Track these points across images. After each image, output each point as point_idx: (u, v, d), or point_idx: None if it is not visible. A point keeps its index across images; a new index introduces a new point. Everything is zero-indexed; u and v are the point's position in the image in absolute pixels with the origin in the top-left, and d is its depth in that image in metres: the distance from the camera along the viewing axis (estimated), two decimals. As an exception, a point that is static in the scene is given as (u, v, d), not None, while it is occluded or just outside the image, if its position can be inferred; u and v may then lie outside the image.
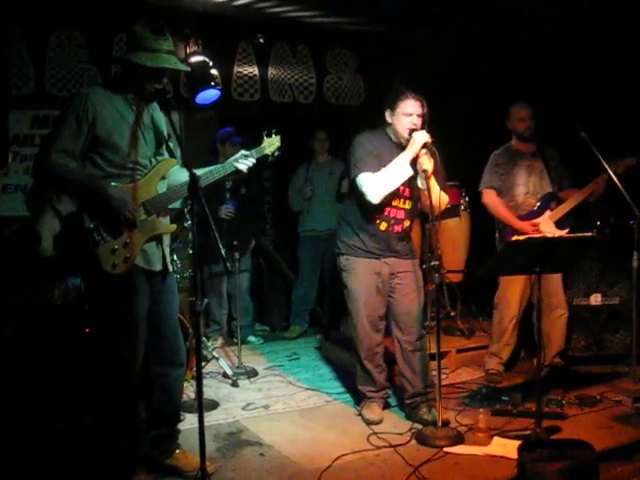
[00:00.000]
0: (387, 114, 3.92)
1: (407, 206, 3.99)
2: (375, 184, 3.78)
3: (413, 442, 3.69)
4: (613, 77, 5.21)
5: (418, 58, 6.04)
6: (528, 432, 3.63)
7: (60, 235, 4.44)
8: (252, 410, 4.30)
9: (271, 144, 3.39)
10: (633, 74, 5.05)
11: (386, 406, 4.20)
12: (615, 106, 5.14)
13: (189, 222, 4.42)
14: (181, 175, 3.14)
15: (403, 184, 3.85)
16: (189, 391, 4.35)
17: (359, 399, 4.22)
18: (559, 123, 4.95)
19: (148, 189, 3.07)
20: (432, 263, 3.72)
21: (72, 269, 4.32)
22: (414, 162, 3.79)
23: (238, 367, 5.02)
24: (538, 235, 4.35)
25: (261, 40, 6.12)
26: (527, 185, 4.72)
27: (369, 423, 3.98)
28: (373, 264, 3.97)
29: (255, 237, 6.09)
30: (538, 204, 4.70)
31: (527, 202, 4.72)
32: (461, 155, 4.93)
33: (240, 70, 6.18)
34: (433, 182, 3.79)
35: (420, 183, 3.86)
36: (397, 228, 3.98)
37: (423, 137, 3.74)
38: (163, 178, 3.17)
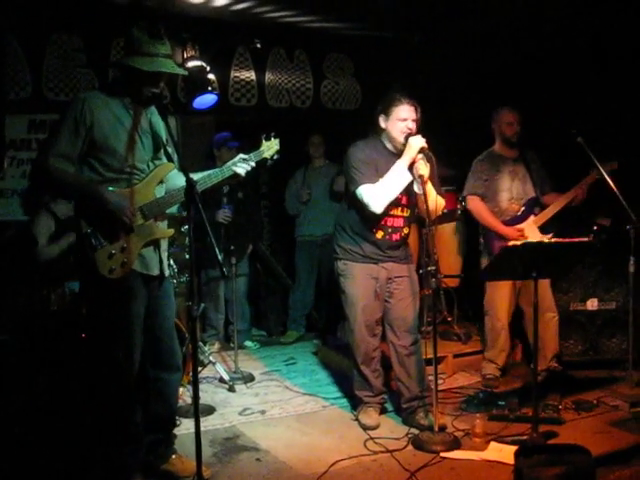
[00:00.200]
0: (381, 119, 3.91)
1: (405, 214, 4.00)
2: (377, 194, 3.78)
3: (410, 447, 3.69)
4: (613, 78, 5.23)
5: (415, 63, 6.06)
6: (525, 437, 3.63)
7: (55, 236, 4.43)
8: (249, 415, 4.30)
9: (270, 148, 3.39)
10: (633, 75, 5.06)
11: (383, 411, 4.20)
12: (615, 106, 5.16)
13: (186, 227, 4.42)
14: (179, 179, 3.14)
15: (401, 192, 3.85)
16: (185, 396, 4.34)
17: (356, 404, 4.22)
18: (558, 125, 4.97)
19: (146, 194, 3.07)
20: (429, 268, 3.72)
21: (69, 274, 4.32)
22: (410, 167, 3.79)
23: (235, 372, 5.01)
24: (524, 240, 4.37)
25: (258, 45, 6.13)
26: (511, 190, 4.75)
27: (366, 428, 3.98)
28: (371, 269, 3.97)
29: (252, 242, 6.09)
30: (522, 209, 4.73)
31: (511, 207, 4.74)
32: (459, 159, 4.94)
33: (237, 75, 6.19)
34: (429, 187, 3.79)
35: (417, 188, 3.86)
36: (395, 236, 3.98)
37: (419, 142, 3.74)
38: (161, 182, 3.16)
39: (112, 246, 2.96)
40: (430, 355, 3.80)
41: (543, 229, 4.69)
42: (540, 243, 3.92)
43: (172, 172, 3.21)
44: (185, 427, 3.89)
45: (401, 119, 3.82)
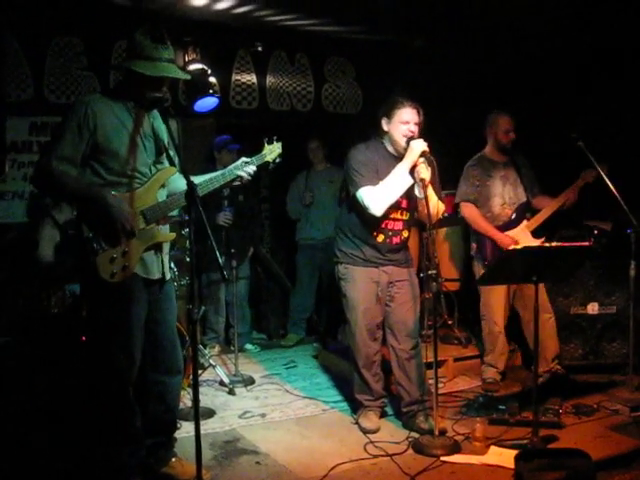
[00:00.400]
0: (383, 122, 3.91)
1: (405, 217, 4.00)
2: (377, 197, 3.78)
3: (410, 451, 3.68)
4: (613, 78, 5.23)
5: (416, 66, 6.06)
6: (525, 441, 3.63)
7: (61, 244, 4.44)
8: (249, 418, 4.29)
9: (272, 151, 3.39)
10: (633, 75, 5.06)
11: (383, 415, 4.19)
12: (615, 107, 5.16)
13: (187, 230, 4.42)
14: (181, 183, 3.14)
15: (401, 195, 3.85)
16: (185, 399, 4.34)
17: (356, 408, 4.21)
18: (559, 126, 4.97)
19: (147, 197, 3.07)
20: (430, 272, 3.72)
21: (69, 276, 4.33)
22: (412, 171, 3.79)
23: (235, 375, 5.01)
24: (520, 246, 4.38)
25: (259, 48, 6.14)
26: (503, 196, 4.76)
27: (366, 432, 3.97)
28: (372, 273, 3.97)
29: (253, 244, 6.09)
30: (514, 214, 4.74)
31: (504, 213, 4.75)
32: (460, 163, 4.94)
33: (238, 78, 6.20)
34: (430, 191, 3.79)
35: (417, 192, 3.86)
36: (395, 240, 3.98)
37: (421, 146, 3.74)
38: (163, 186, 3.17)
39: (113, 250, 2.96)
40: (430, 359, 3.79)
41: (534, 233, 4.71)
42: (541, 247, 3.92)
43: (174, 176, 3.21)
44: (185, 430, 3.89)
45: (403, 122, 3.82)
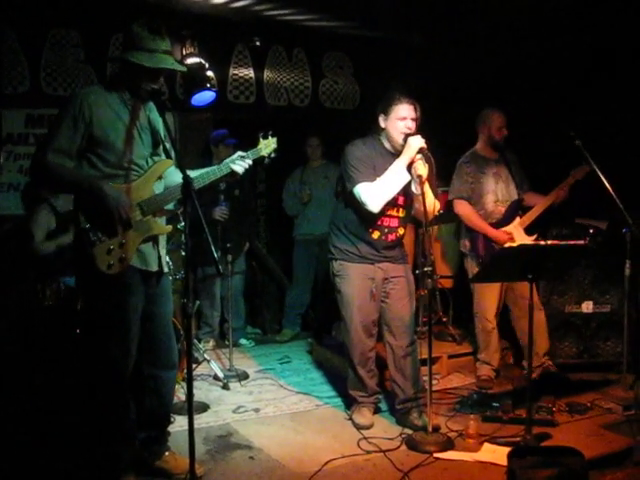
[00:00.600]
0: (381, 119, 3.90)
1: (401, 214, 3.99)
2: (374, 193, 3.76)
3: (403, 447, 3.69)
4: (613, 78, 5.23)
5: (414, 63, 6.06)
6: (518, 439, 3.64)
7: (54, 232, 4.43)
8: (242, 413, 4.29)
9: (268, 146, 3.39)
10: (633, 75, 5.06)
11: (377, 411, 4.20)
12: (615, 106, 5.16)
13: (182, 224, 4.41)
14: (177, 176, 3.10)
15: (398, 192, 3.84)
16: (179, 393, 4.34)
17: (350, 403, 4.22)
18: (557, 125, 4.97)
19: (144, 189, 3.06)
20: (425, 269, 3.72)
21: (64, 269, 4.31)
22: (409, 167, 3.79)
23: (229, 370, 5.00)
24: (513, 243, 4.39)
25: (257, 43, 6.13)
26: (496, 193, 4.77)
27: (359, 428, 3.98)
28: (367, 269, 3.97)
29: (249, 239, 6.09)
30: (507, 211, 4.74)
31: (497, 210, 4.77)
32: (457, 161, 4.94)
33: (236, 72, 6.19)
34: (427, 188, 3.79)
35: (414, 188, 3.86)
36: (391, 237, 3.97)
37: (418, 142, 3.73)
38: (160, 179, 3.16)
39: (111, 241, 2.95)
40: (425, 355, 3.80)
41: (527, 230, 4.72)
42: (536, 245, 3.93)
43: (171, 168, 3.20)
44: (179, 424, 3.88)
45: (400, 118, 3.82)
